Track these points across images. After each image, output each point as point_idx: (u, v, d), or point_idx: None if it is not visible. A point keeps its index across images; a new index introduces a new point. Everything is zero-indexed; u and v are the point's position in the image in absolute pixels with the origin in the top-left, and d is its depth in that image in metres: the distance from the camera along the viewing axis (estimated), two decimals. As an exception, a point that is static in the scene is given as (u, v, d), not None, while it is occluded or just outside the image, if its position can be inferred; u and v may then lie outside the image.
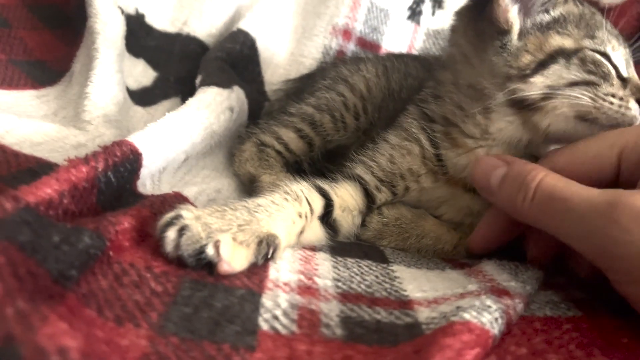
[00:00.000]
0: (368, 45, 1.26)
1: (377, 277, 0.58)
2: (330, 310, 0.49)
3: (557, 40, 0.66)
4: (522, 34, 0.67)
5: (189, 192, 0.67)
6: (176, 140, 0.71)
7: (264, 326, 0.45)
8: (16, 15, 1.12)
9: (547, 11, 0.68)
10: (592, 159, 0.59)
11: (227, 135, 0.90)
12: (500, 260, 0.64)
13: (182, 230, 0.51)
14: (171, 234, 0.51)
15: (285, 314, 0.47)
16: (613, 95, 0.64)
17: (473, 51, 0.71)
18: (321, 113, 0.93)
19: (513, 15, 0.67)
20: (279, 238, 0.57)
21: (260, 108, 1.12)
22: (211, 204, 0.70)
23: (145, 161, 0.63)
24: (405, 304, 0.53)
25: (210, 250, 0.50)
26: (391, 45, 1.28)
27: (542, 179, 0.55)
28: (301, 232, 0.64)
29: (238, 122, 0.94)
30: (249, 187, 0.83)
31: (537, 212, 0.56)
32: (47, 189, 0.47)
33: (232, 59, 1.10)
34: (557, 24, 0.67)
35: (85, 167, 0.52)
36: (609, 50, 0.67)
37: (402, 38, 1.31)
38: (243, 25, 1.17)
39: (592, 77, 0.64)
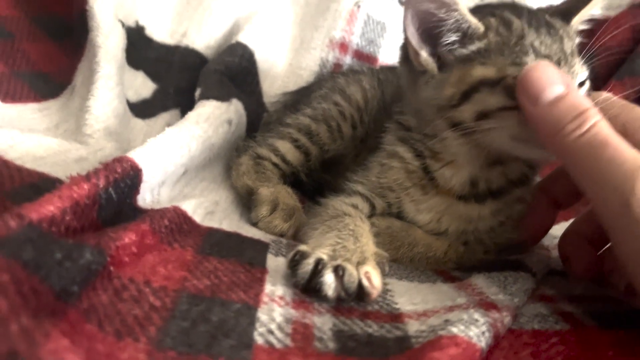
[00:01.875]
0: (365, 58, 1.28)
1: (370, 290, 0.60)
2: (324, 323, 0.51)
3: (479, 71, 0.65)
4: (446, 67, 0.68)
5: (187, 205, 0.68)
6: (175, 155, 0.72)
7: (259, 340, 0.46)
8: (19, 27, 1.13)
9: (464, 46, 0.67)
10: None
11: (225, 147, 0.91)
12: (490, 272, 0.65)
13: (337, 272, 0.53)
14: (329, 278, 0.53)
15: (279, 327, 0.49)
16: None
17: (410, 84, 0.74)
18: (317, 123, 0.94)
19: (425, 58, 0.68)
20: (383, 252, 0.64)
21: (259, 119, 1.14)
22: (210, 217, 0.72)
23: (146, 176, 0.64)
24: (396, 317, 0.54)
25: (366, 283, 0.54)
26: (388, 58, 1.30)
27: (600, 122, 0.54)
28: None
29: (236, 134, 0.95)
30: (247, 200, 0.84)
31: (582, 150, 0.53)
32: (49, 206, 0.49)
33: (231, 71, 1.11)
34: (479, 55, 0.66)
35: (87, 184, 0.54)
36: None
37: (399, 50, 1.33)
38: (242, 38, 1.19)
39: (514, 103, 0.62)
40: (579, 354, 0.51)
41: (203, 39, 1.22)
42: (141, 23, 1.15)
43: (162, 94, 1.10)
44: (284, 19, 1.31)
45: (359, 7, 1.28)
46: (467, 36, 0.66)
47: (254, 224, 0.79)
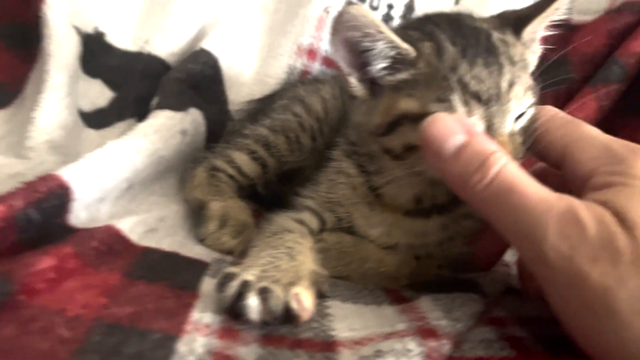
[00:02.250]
0: (334, 65, 1.25)
1: (308, 314, 0.57)
2: (248, 354, 0.48)
3: (403, 104, 0.61)
4: (378, 93, 0.65)
5: (124, 224, 0.65)
6: (116, 170, 0.69)
7: (174, 374, 0.44)
8: (-24, 34, 1.10)
9: (395, 73, 0.63)
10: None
11: (179, 159, 0.89)
12: (439, 293, 0.63)
13: (262, 294, 0.50)
14: (253, 301, 0.50)
15: (199, 360, 0.46)
16: None
17: (349, 102, 0.71)
18: (276, 134, 0.91)
19: (353, 84, 0.65)
20: (321, 271, 0.60)
21: (223, 128, 1.11)
22: (151, 235, 0.69)
23: (77, 194, 0.61)
24: (329, 345, 0.51)
25: (295, 305, 0.51)
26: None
27: (504, 166, 0.51)
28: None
29: (192, 145, 0.93)
30: (197, 215, 0.81)
31: (489, 200, 0.51)
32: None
33: (194, 79, 1.09)
34: (407, 85, 0.62)
35: (1, 206, 0.51)
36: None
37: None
38: (206, 44, 1.16)
39: None
40: (519, 385, 0.49)
41: (166, 45, 1.19)
42: (101, 29, 1.12)
43: (120, 102, 1.07)
44: (252, 26, 1.28)
45: (328, 12, 1.25)
46: (398, 62, 0.62)
47: (201, 241, 0.76)
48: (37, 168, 0.72)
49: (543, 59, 1.41)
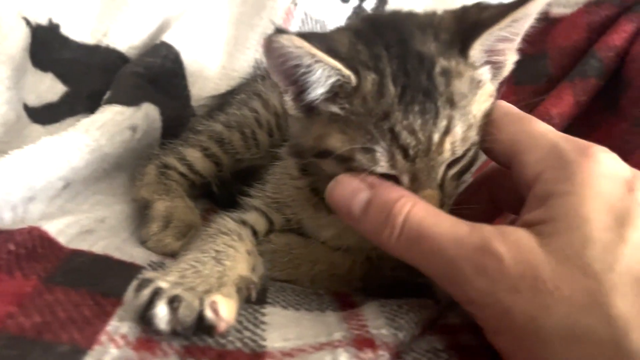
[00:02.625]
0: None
1: (240, 322, 0.53)
2: (164, 368, 0.44)
3: (332, 141, 0.56)
4: (316, 117, 0.58)
5: (52, 225, 0.61)
6: (47, 168, 0.65)
7: (76, 391, 0.40)
8: None
9: (326, 102, 0.56)
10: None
11: (129, 156, 0.84)
12: (388, 299, 0.59)
13: (172, 303, 0.47)
14: (161, 310, 0.46)
15: (107, 375, 0.42)
16: None
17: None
18: (230, 130, 0.87)
19: (288, 103, 0.59)
20: (250, 277, 0.57)
21: (184, 124, 1.06)
22: (84, 237, 0.65)
23: (0, 193, 0.57)
24: (257, 356, 0.47)
25: (209, 314, 0.47)
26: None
27: (409, 213, 0.49)
28: (253, 270, 0.60)
29: (145, 141, 0.88)
30: (144, 215, 0.77)
31: (404, 251, 0.50)
32: None
33: (152, 73, 1.03)
34: (341, 119, 0.56)
35: None
36: (378, 169, 0.54)
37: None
38: (167, 37, 1.11)
39: None
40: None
41: (126, 38, 1.13)
42: (55, 21, 1.06)
43: (72, 97, 1.01)
44: (218, 19, 1.23)
45: (295, 4, 1.21)
46: (338, 87, 0.55)
47: (143, 243, 0.72)
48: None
49: (521, 53, 1.38)
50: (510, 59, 0.60)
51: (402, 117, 0.52)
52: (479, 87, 0.57)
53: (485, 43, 0.56)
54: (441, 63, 0.55)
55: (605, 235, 0.42)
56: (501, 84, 0.63)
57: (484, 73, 0.58)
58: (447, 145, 0.54)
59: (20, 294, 0.49)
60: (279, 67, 0.55)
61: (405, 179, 0.55)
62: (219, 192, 0.90)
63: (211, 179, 0.88)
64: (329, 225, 0.69)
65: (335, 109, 0.56)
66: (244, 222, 0.67)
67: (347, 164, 0.55)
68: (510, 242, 0.44)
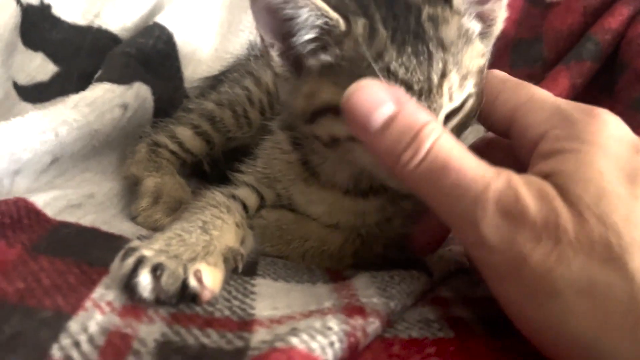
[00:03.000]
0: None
1: (229, 292, 0.52)
2: (149, 333, 0.43)
3: (325, 94, 0.55)
4: (303, 74, 0.57)
5: (38, 197, 0.60)
6: (34, 141, 0.64)
7: (57, 355, 0.39)
8: None
9: (315, 54, 0.56)
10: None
11: (119, 134, 0.83)
12: (379, 271, 0.58)
13: (156, 271, 0.46)
14: (145, 278, 0.45)
15: (90, 339, 0.41)
16: None
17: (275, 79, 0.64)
18: (222, 108, 0.86)
19: (274, 57, 0.57)
20: (238, 249, 0.55)
21: (176, 105, 1.05)
22: (71, 210, 0.64)
23: (-17, 163, 0.56)
24: (245, 324, 0.47)
25: (193, 283, 0.46)
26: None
27: (438, 140, 0.45)
28: (242, 242, 0.60)
29: (135, 121, 0.87)
30: (134, 192, 0.76)
31: (423, 179, 0.46)
32: None
33: (144, 54, 1.03)
34: (332, 71, 0.54)
35: None
36: None
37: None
38: (160, 18, 1.10)
39: None
40: (452, 367, 0.44)
41: (118, 19, 1.13)
42: (47, 1, 1.05)
43: (63, 77, 1.01)
44: (211, 1, 1.22)
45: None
46: (326, 33, 0.54)
47: (133, 219, 0.71)
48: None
49: (516, 37, 1.37)
50: (500, 15, 0.60)
51: (396, 55, 0.51)
52: (469, 38, 0.56)
53: None
54: (427, 10, 0.54)
55: (619, 189, 0.41)
56: (494, 46, 0.62)
57: (472, 24, 0.57)
58: (445, 89, 0.52)
59: (2, 261, 0.48)
60: (264, 18, 0.54)
61: None
62: (211, 171, 0.89)
63: (202, 157, 0.87)
64: (320, 202, 0.68)
65: (325, 57, 0.55)
66: (233, 197, 0.66)
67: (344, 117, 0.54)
68: (535, 189, 0.42)
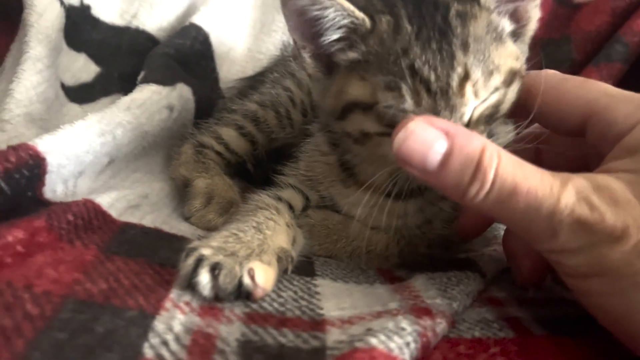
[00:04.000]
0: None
1: (295, 292, 0.54)
2: (230, 333, 0.45)
3: (353, 90, 0.57)
4: (334, 73, 0.60)
5: (103, 199, 0.62)
6: (95, 143, 0.66)
7: (149, 353, 0.40)
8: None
9: (345, 50, 0.58)
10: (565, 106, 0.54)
11: (165, 135, 0.85)
12: (434, 272, 0.60)
13: (214, 270, 0.48)
14: (204, 277, 0.48)
15: (177, 338, 0.43)
16: None
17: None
18: (265, 109, 0.88)
19: (306, 58, 0.60)
20: (289, 250, 0.57)
21: (213, 106, 1.07)
22: (132, 211, 0.66)
23: (51, 166, 0.58)
24: (317, 324, 0.48)
25: (247, 281, 0.48)
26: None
27: (500, 166, 0.44)
28: (294, 242, 0.62)
29: (180, 121, 0.89)
30: (183, 192, 0.78)
31: (494, 207, 0.46)
32: None
33: (182, 55, 1.04)
34: (359, 67, 0.56)
35: (-36, 175, 0.47)
36: (406, 106, 0.54)
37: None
38: (196, 19, 1.12)
39: (391, 130, 0.52)
40: (518, 366, 0.46)
41: (155, 20, 1.14)
42: (86, 2, 1.07)
43: (105, 78, 1.03)
44: (244, 1, 1.24)
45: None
46: (352, 32, 0.57)
47: (187, 219, 0.73)
48: (12, 140, 0.68)
49: (545, 38, 1.37)
50: (533, 15, 0.61)
51: (420, 52, 0.53)
52: (499, 36, 0.57)
53: None
54: (456, 7, 0.56)
55: None
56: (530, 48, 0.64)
57: (503, 22, 0.59)
58: (468, 88, 0.53)
59: (82, 263, 0.50)
60: (295, 20, 0.57)
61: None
62: (254, 171, 0.91)
63: (247, 158, 0.88)
64: (359, 204, 0.69)
65: (352, 54, 0.57)
66: (279, 198, 0.68)
67: (372, 112, 0.56)
68: (606, 194, 0.44)
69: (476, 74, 0.53)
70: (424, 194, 0.68)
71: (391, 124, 0.54)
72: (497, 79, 0.55)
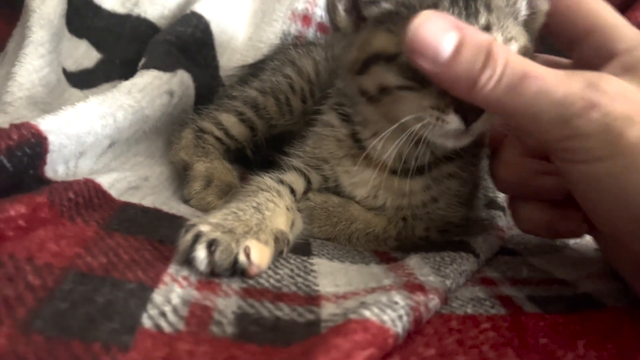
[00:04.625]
0: (329, 31, 1.22)
1: (291, 270, 0.55)
2: (227, 306, 0.46)
3: (379, 41, 0.59)
4: (362, 29, 0.63)
5: (103, 179, 0.63)
6: (96, 124, 0.67)
7: (147, 323, 0.42)
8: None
9: (376, 3, 0.61)
10: None
11: (166, 120, 0.86)
12: (428, 253, 0.61)
13: (211, 246, 0.49)
14: (201, 253, 0.49)
15: (174, 310, 0.44)
16: (431, 107, 0.56)
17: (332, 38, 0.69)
18: (265, 96, 0.89)
19: (340, 12, 0.63)
20: (287, 233, 0.58)
21: (213, 93, 1.08)
22: (133, 192, 0.67)
23: (53, 145, 0.59)
24: (312, 299, 0.49)
25: (242, 258, 0.50)
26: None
27: (510, 54, 0.46)
28: (292, 225, 0.63)
29: (180, 107, 0.90)
30: (183, 176, 0.79)
31: (504, 93, 0.46)
32: None
33: (183, 42, 1.05)
34: (390, 18, 0.59)
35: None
36: None
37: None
38: (197, 7, 1.12)
39: (411, 83, 0.57)
40: (509, 341, 0.47)
41: (156, 8, 1.15)
42: (88, -11, 1.08)
43: (106, 64, 1.04)
44: (245, -10, 1.24)
45: (323, -23, 1.22)
46: None
47: (187, 201, 0.74)
48: (14, 122, 0.69)
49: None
50: (542, 7, 0.62)
51: (449, 6, 0.56)
52: (516, 13, 0.60)
53: None
54: None
55: None
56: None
57: (521, 3, 0.62)
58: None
59: (83, 238, 0.52)
60: None
61: None
62: (253, 157, 0.91)
63: (246, 144, 0.89)
64: (364, 183, 0.70)
65: (385, 4, 0.60)
66: (281, 181, 0.69)
67: (394, 63, 0.58)
68: (612, 83, 0.45)
69: (497, 32, 0.57)
70: (432, 170, 0.70)
71: (412, 78, 0.56)
72: (515, 48, 0.58)
